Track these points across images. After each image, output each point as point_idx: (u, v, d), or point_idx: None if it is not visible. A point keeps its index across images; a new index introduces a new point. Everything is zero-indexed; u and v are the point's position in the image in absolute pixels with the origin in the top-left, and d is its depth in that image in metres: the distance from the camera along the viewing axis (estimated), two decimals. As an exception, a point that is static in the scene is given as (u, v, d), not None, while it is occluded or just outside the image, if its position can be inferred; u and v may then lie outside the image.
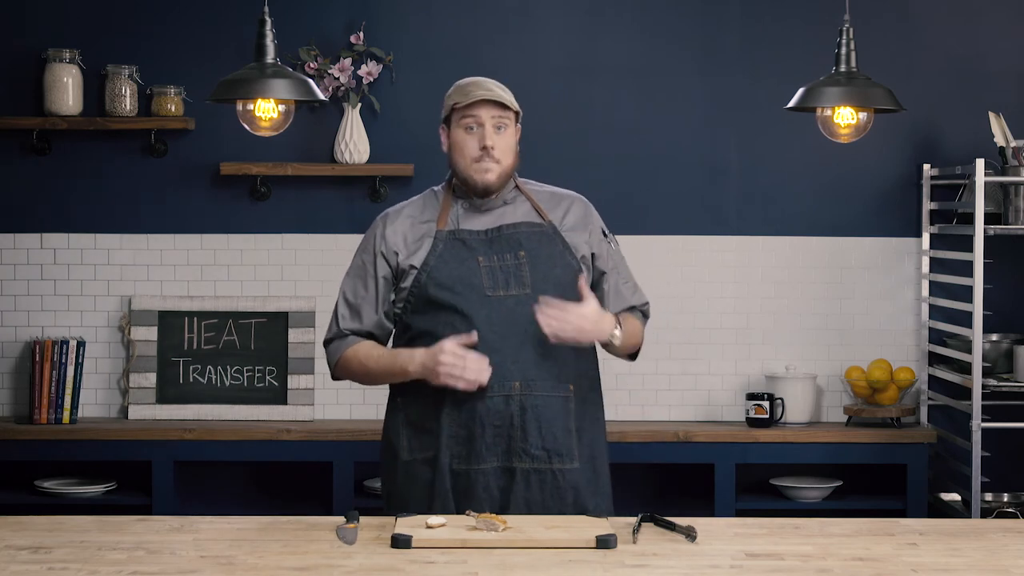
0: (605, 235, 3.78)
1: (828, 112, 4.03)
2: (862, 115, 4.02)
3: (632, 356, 3.82)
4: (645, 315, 3.85)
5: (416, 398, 3.65)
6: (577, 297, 3.59)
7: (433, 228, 3.68)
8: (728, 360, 5.54)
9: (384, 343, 3.74)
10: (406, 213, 3.74)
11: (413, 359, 3.58)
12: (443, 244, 3.65)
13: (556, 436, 3.61)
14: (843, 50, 3.98)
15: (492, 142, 3.62)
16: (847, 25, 3.97)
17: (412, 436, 3.67)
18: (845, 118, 4.02)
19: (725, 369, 5.53)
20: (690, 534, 3.25)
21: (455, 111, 3.66)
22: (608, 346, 3.69)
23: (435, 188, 3.79)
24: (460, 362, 3.50)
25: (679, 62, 5.53)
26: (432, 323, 3.62)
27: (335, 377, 3.79)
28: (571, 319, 3.52)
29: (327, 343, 3.77)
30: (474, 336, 3.53)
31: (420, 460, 3.65)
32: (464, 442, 3.59)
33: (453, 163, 3.70)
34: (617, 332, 3.62)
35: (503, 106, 3.64)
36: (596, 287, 3.73)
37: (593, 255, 3.73)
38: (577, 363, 3.68)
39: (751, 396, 5.38)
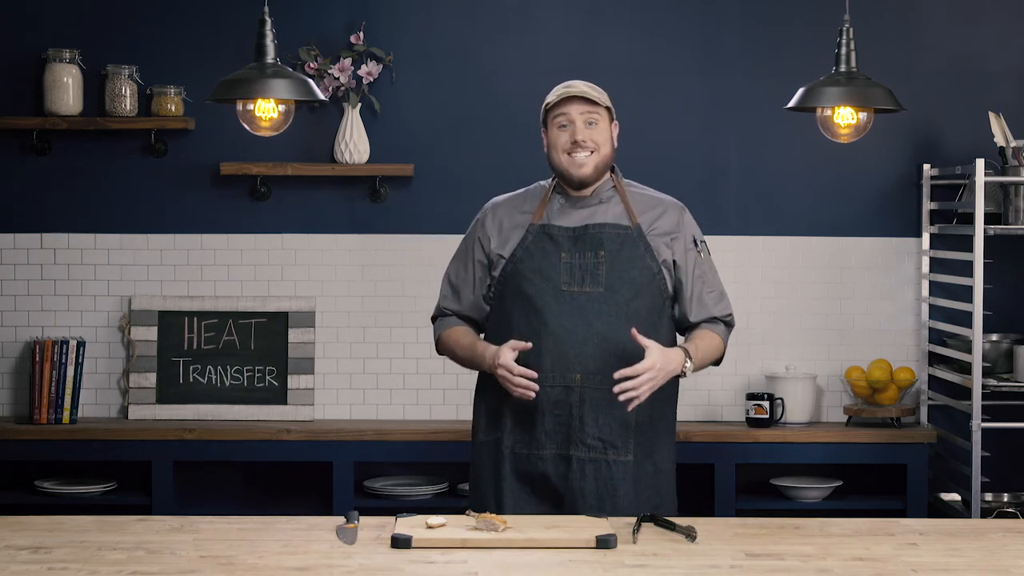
0: (696, 244, 3.89)
1: (828, 112, 4.03)
2: (862, 115, 4.02)
3: (716, 363, 3.96)
4: (728, 324, 3.96)
5: (493, 383, 3.82)
6: (650, 297, 3.78)
7: (528, 220, 3.84)
8: (728, 360, 5.48)
9: (481, 325, 3.93)
10: (508, 203, 3.93)
11: (484, 356, 3.78)
12: (532, 237, 3.83)
13: (612, 428, 3.76)
14: (843, 50, 3.98)
15: (583, 136, 3.79)
16: (847, 25, 3.97)
17: (488, 419, 3.87)
18: (845, 118, 4.02)
19: (725, 369, 5.50)
20: (690, 534, 3.25)
21: (548, 112, 3.84)
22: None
23: (542, 183, 3.94)
24: (509, 377, 3.67)
25: (679, 62, 5.53)
26: (509, 311, 3.80)
27: (439, 353, 4.00)
28: (641, 382, 3.62)
29: (432, 320, 4.02)
30: (529, 344, 3.69)
31: (491, 442, 3.84)
32: (527, 428, 3.78)
33: (550, 160, 3.86)
34: (688, 364, 3.75)
35: (593, 102, 3.80)
36: (677, 293, 3.86)
37: (675, 262, 3.85)
38: None
39: (751, 396, 5.38)
